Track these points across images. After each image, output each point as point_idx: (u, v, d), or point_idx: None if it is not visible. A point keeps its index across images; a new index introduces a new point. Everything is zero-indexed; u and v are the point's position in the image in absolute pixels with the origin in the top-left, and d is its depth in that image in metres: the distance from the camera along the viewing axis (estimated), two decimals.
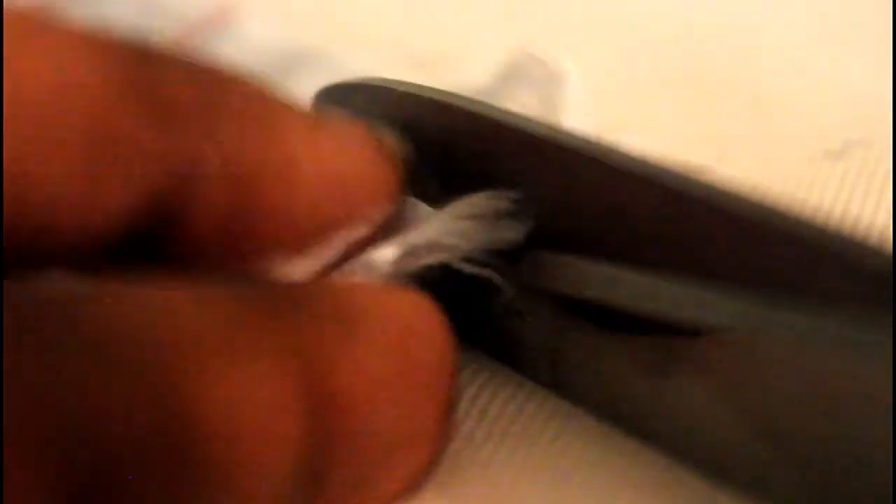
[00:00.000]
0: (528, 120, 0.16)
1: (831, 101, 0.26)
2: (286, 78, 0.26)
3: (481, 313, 0.17)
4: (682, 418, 0.15)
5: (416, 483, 0.16)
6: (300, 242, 0.16)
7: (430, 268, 0.16)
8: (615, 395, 0.16)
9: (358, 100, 0.19)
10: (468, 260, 0.17)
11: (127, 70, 0.14)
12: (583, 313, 0.16)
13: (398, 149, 0.17)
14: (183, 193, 0.14)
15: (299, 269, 0.16)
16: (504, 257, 0.17)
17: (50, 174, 0.13)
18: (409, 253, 0.16)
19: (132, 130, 0.14)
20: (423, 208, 0.17)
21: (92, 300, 0.12)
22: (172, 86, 0.14)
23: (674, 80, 0.27)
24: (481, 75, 0.24)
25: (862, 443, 0.13)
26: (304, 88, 0.25)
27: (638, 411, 0.16)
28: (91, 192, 0.13)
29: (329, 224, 0.16)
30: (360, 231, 0.16)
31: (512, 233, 0.17)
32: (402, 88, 0.18)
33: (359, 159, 0.17)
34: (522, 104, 0.20)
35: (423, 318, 0.15)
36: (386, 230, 0.17)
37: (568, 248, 0.16)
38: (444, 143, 0.17)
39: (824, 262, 0.13)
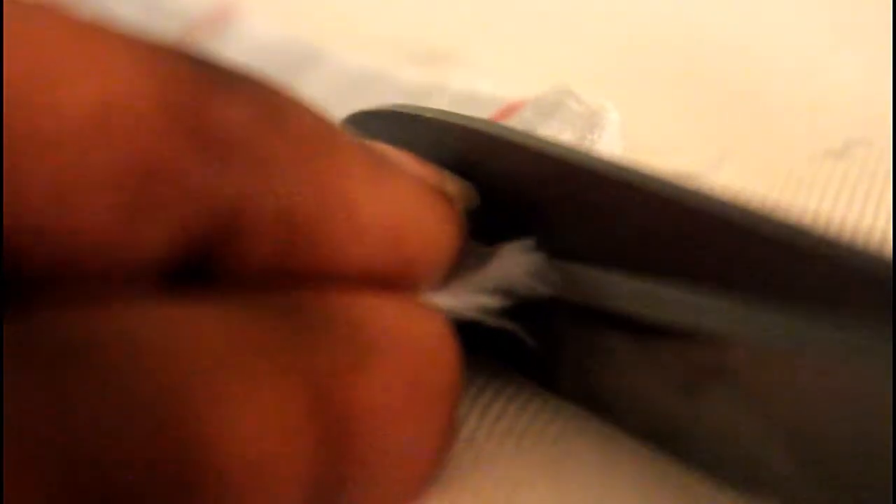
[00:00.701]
0: (553, 144, 0.17)
1: (832, 101, 0.26)
2: (288, 76, 0.26)
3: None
4: (714, 432, 0.15)
5: (417, 493, 0.15)
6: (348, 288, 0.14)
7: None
8: (644, 410, 0.16)
9: (386, 127, 0.19)
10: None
11: (180, 93, 0.12)
12: (610, 327, 0.16)
13: (463, 196, 0.17)
14: (227, 232, 0.13)
15: None
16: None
17: (81, 208, 0.12)
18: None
19: (179, 165, 0.12)
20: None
21: (103, 317, 0.11)
22: (228, 112, 0.13)
23: (674, 82, 0.27)
24: (488, 78, 0.24)
25: (867, 449, 0.13)
26: (306, 86, 0.25)
27: (668, 426, 0.16)
28: (126, 230, 0.12)
29: (381, 274, 0.15)
30: (411, 284, 0.16)
31: (542, 288, 0.16)
32: (429, 115, 0.18)
33: (421, 208, 0.15)
34: (558, 138, 0.20)
35: (436, 341, 0.15)
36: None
37: (595, 261, 0.16)
38: (475, 170, 0.17)
39: (833, 270, 0.13)
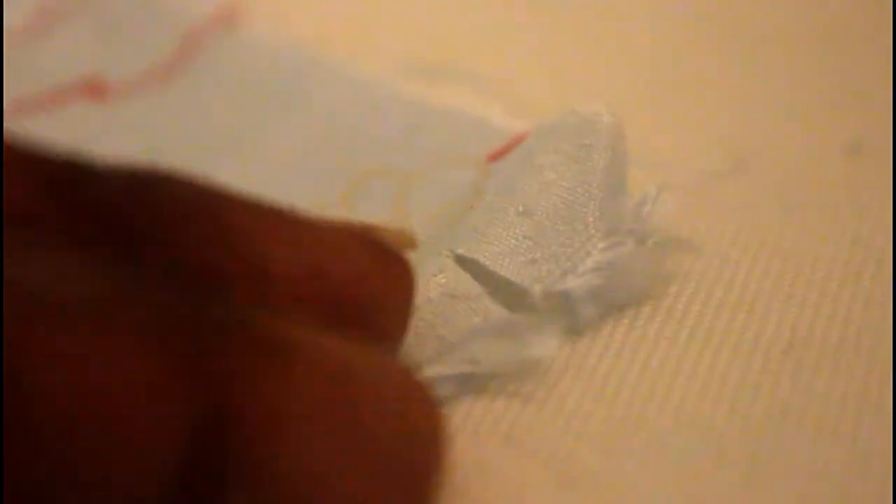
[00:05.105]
0: None
1: (834, 103, 0.26)
2: (290, 82, 0.26)
3: None
4: None
5: None
6: None
7: None
8: None
9: None
10: None
11: (52, 171, 0.14)
12: None
13: (402, 240, 0.17)
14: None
15: None
16: None
17: None
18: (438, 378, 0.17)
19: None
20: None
21: None
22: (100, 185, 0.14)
23: (680, 89, 0.27)
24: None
25: None
26: (308, 93, 0.25)
27: None
28: None
29: (313, 309, 0.15)
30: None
31: (543, 350, 0.17)
32: None
33: (339, 246, 0.16)
34: (556, 149, 0.20)
35: (393, 389, 0.15)
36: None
37: None
38: None
39: None
